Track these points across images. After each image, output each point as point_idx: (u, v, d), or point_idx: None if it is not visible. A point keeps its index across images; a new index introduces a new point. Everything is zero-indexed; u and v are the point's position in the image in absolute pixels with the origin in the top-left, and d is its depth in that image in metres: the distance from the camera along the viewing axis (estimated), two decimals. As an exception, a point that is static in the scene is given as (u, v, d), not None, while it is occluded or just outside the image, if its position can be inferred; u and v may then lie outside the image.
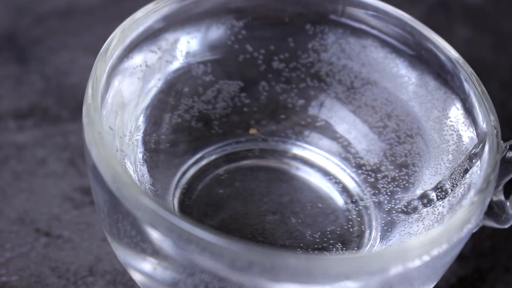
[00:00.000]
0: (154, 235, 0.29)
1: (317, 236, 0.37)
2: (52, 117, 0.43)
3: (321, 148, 0.39)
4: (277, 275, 0.28)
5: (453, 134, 0.36)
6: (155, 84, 0.37)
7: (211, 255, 0.28)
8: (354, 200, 0.38)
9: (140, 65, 0.36)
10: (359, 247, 0.36)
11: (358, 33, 0.38)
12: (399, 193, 0.37)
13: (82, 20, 0.49)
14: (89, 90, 0.32)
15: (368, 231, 0.37)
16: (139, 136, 0.37)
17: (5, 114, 0.43)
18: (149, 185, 0.36)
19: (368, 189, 0.38)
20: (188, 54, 0.38)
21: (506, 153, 0.33)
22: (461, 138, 0.36)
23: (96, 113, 0.31)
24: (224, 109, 0.39)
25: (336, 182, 0.39)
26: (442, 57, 0.36)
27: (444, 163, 0.36)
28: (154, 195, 0.36)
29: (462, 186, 0.34)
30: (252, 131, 0.39)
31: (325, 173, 0.39)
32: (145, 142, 0.37)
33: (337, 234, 0.37)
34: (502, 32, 0.51)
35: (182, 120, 0.38)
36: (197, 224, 0.28)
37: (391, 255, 0.29)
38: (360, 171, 0.39)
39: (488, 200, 0.32)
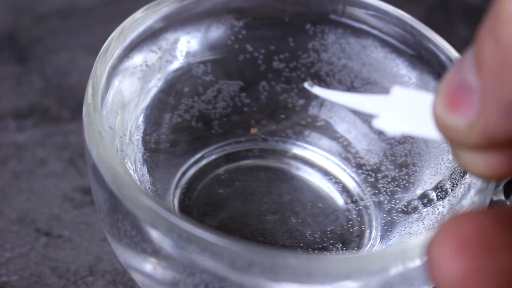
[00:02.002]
0: (154, 235, 0.29)
1: (317, 236, 0.37)
2: (52, 117, 0.43)
3: (321, 148, 0.39)
4: (277, 275, 0.28)
5: (453, 134, 0.36)
6: (155, 84, 0.37)
7: (211, 255, 0.28)
8: (354, 200, 0.38)
9: (140, 65, 0.36)
10: (359, 247, 0.36)
11: (358, 33, 0.38)
12: (399, 193, 0.37)
13: (82, 20, 0.49)
14: (89, 90, 0.32)
15: (368, 231, 0.37)
16: (139, 136, 0.37)
17: (5, 114, 0.43)
18: (149, 185, 0.36)
19: (368, 189, 0.38)
20: (188, 54, 0.38)
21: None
22: (461, 138, 0.36)
23: (96, 113, 0.31)
24: (224, 109, 0.39)
25: (336, 182, 0.39)
26: (442, 57, 0.36)
27: (444, 163, 0.36)
28: (154, 195, 0.36)
29: (462, 186, 0.34)
30: (253, 130, 0.39)
31: (325, 173, 0.39)
32: (145, 142, 0.37)
33: (337, 234, 0.37)
34: (502, 32, 0.51)
35: (182, 120, 0.38)
36: (197, 224, 0.28)
37: (391, 255, 0.29)
38: (360, 171, 0.39)
39: (488, 200, 0.32)
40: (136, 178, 0.35)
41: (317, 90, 0.30)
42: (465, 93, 0.23)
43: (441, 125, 0.24)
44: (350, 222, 0.37)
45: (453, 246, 0.22)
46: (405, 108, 0.27)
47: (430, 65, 0.37)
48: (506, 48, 0.22)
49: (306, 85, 0.31)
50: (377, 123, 0.27)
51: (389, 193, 0.37)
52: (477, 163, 0.24)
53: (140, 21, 0.35)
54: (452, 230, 0.22)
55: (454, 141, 0.24)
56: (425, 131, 0.26)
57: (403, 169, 0.38)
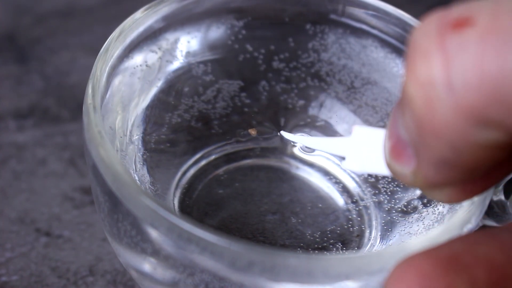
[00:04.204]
0: (154, 235, 0.29)
1: (317, 236, 0.37)
2: (52, 117, 0.43)
3: (321, 148, 0.39)
4: (277, 274, 0.28)
5: (453, 134, 0.36)
6: (155, 84, 0.37)
7: (211, 255, 0.28)
8: (354, 200, 0.38)
9: (140, 65, 0.36)
10: (359, 246, 0.36)
11: (358, 33, 0.38)
12: (399, 192, 0.37)
13: (82, 20, 0.49)
14: (89, 90, 0.32)
15: (368, 231, 0.37)
16: (139, 136, 0.37)
17: (5, 114, 0.43)
18: (149, 185, 0.36)
19: (369, 189, 0.38)
20: (188, 54, 0.38)
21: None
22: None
23: (96, 113, 0.31)
24: (224, 108, 0.39)
25: (336, 182, 0.39)
26: (442, 57, 0.36)
27: (444, 163, 0.36)
28: (154, 195, 0.36)
29: (462, 186, 0.34)
30: (252, 132, 0.39)
31: (325, 173, 0.39)
32: (145, 142, 0.37)
33: (337, 233, 0.37)
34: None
35: (182, 120, 0.38)
36: (197, 224, 0.28)
37: (391, 255, 0.29)
38: (360, 171, 0.39)
39: (488, 200, 0.32)
40: (136, 178, 0.35)
41: (288, 135, 0.34)
42: (402, 147, 0.25)
43: (391, 171, 0.26)
44: (350, 222, 0.37)
45: None
46: (367, 148, 0.28)
47: (430, 65, 0.37)
48: (419, 119, 0.23)
49: (282, 132, 0.34)
50: (345, 165, 0.28)
51: (389, 193, 0.37)
52: (435, 195, 0.26)
53: (140, 21, 0.35)
54: (397, 280, 0.24)
55: (406, 184, 0.26)
56: (386, 171, 0.27)
57: (403, 169, 0.38)
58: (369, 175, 0.38)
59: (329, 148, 0.30)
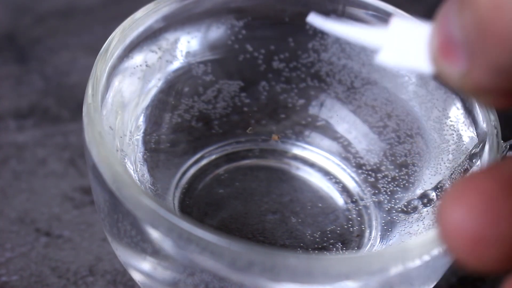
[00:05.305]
0: (154, 234, 0.29)
1: (317, 236, 0.37)
2: (52, 117, 0.43)
3: (321, 148, 0.39)
4: (277, 274, 0.28)
5: (453, 134, 0.36)
6: (155, 84, 0.37)
7: (211, 255, 0.28)
8: (354, 200, 0.38)
9: (140, 65, 0.36)
10: (359, 246, 0.36)
11: (358, 33, 0.38)
12: (399, 192, 0.37)
13: (82, 20, 0.49)
14: (89, 90, 0.32)
15: (368, 231, 0.37)
16: (139, 136, 0.37)
17: (5, 114, 0.43)
18: (149, 185, 0.36)
19: (368, 189, 0.38)
20: (188, 54, 0.38)
21: (506, 153, 0.33)
22: (461, 137, 0.36)
23: (96, 113, 0.31)
24: (224, 108, 0.39)
25: (336, 182, 0.39)
26: (442, 56, 0.36)
27: (444, 163, 0.36)
28: (154, 194, 0.36)
29: (462, 186, 0.34)
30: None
31: (325, 173, 0.39)
32: (145, 142, 0.37)
33: (337, 233, 0.37)
34: (502, 32, 0.51)
35: (182, 120, 0.38)
36: (197, 224, 0.28)
37: (391, 255, 0.29)
38: (360, 171, 0.39)
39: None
40: (136, 178, 0.35)
41: (316, 20, 0.29)
42: (454, 46, 0.23)
43: (438, 70, 0.24)
44: (350, 222, 0.37)
45: (454, 223, 0.22)
46: (407, 41, 0.25)
47: (430, 65, 0.37)
48: (482, 21, 0.21)
49: (309, 17, 0.29)
50: (380, 57, 0.25)
51: (389, 193, 0.37)
52: (480, 99, 0.24)
53: (140, 21, 0.35)
54: (457, 200, 0.22)
55: (451, 84, 0.24)
56: (426, 68, 0.24)
57: (403, 169, 0.38)
58: (369, 174, 0.38)
59: (362, 37, 0.26)
